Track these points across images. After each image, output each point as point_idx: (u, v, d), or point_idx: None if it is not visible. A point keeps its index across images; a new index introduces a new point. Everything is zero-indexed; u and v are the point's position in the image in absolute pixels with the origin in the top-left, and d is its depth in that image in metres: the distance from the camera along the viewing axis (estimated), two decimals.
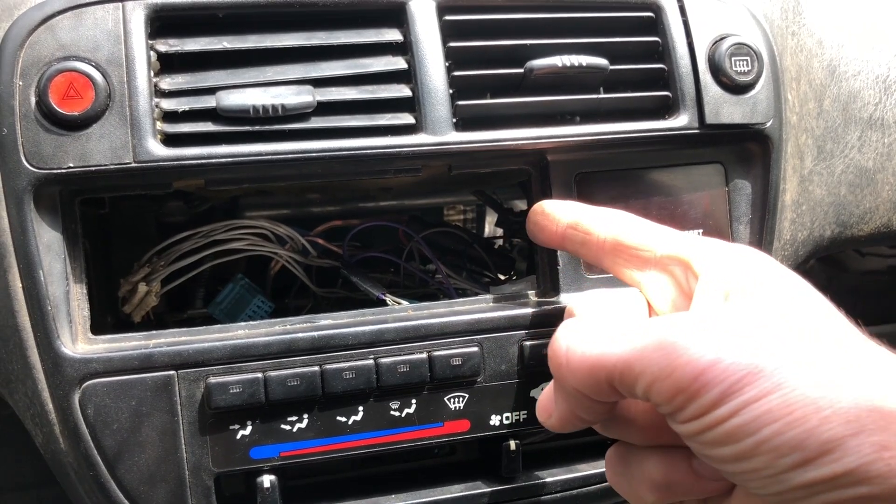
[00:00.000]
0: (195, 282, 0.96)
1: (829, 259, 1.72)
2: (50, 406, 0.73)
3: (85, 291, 0.77)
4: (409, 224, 1.01)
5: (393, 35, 0.79)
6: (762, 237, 0.87)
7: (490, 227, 1.32)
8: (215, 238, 0.90)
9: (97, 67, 0.72)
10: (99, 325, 0.80)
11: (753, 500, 0.55)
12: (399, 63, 0.79)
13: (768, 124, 0.85)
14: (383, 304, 0.87)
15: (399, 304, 0.86)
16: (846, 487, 0.46)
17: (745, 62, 0.84)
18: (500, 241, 1.16)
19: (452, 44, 0.79)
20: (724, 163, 0.87)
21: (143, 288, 0.88)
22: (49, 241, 0.73)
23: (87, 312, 0.76)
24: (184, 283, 0.92)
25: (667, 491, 0.61)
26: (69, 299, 0.74)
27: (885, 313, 1.78)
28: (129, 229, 1.05)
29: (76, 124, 0.71)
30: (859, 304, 1.82)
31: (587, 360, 0.57)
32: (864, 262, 1.65)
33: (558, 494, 0.85)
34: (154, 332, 0.77)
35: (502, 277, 1.03)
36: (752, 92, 0.84)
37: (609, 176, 0.84)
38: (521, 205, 1.11)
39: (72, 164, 0.71)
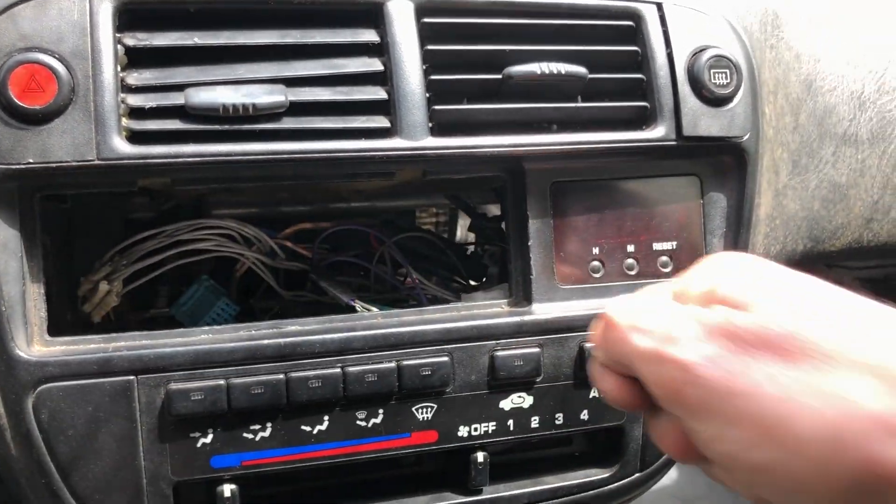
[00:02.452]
0: (158, 281, 0.94)
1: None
2: (1, 410, 0.70)
3: (42, 291, 0.74)
4: (381, 228, 0.99)
5: (370, 36, 0.77)
6: (736, 250, 0.87)
7: (462, 230, 1.31)
8: (180, 238, 0.87)
9: (61, 60, 0.69)
10: (58, 324, 0.77)
11: None
12: (375, 65, 0.77)
13: (745, 137, 0.85)
14: (352, 310, 0.86)
15: (369, 310, 0.84)
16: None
17: (724, 74, 0.83)
18: (473, 247, 1.15)
19: (430, 47, 0.77)
20: (699, 175, 0.86)
21: (104, 287, 0.86)
22: (5, 239, 0.70)
23: (44, 313, 0.74)
24: (147, 281, 0.89)
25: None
26: (25, 299, 0.71)
27: None
28: (92, 225, 1.02)
29: (37, 118, 0.68)
30: None
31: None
32: (832, 275, 1.67)
33: None
34: (114, 334, 0.74)
35: (474, 283, 1.02)
36: (731, 105, 0.84)
37: (585, 186, 0.83)
38: (494, 209, 1.09)
39: (31, 160, 0.68)
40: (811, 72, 0.96)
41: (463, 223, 1.30)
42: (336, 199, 1.16)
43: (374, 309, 0.85)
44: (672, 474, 1.74)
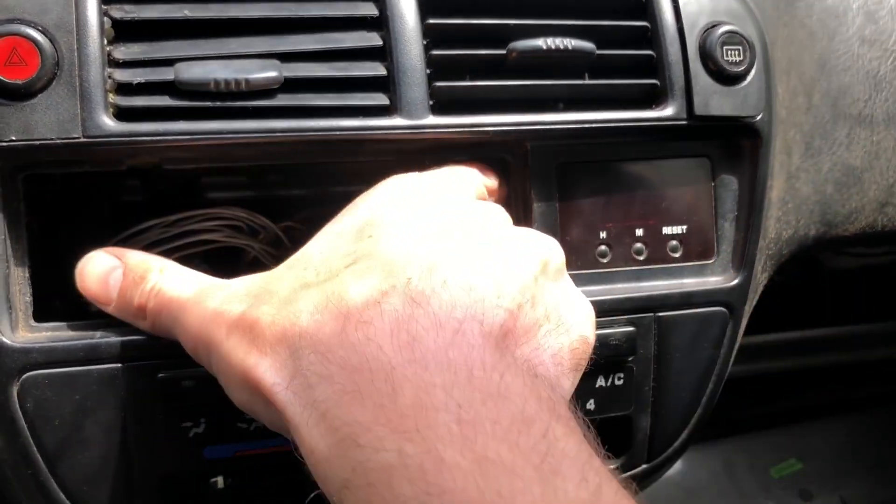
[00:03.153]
0: None
1: (803, 258, 1.71)
2: None
3: (27, 275, 0.71)
4: None
5: (368, 9, 0.74)
6: (748, 234, 0.84)
7: None
8: (188, 228, 0.84)
9: (44, 32, 0.66)
10: (46, 310, 0.74)
11: None
12: (374, 39, 0.74)
13: (759, 117, 0.82)
14: None
15: None
16: None
17: (737, 52, 0.80)
18: None
19: (431, 20, 0.74)
20: (710, 157, 0.83)
21: None
22: None
23: (29, 298, 0.71)
24: None
25: None
26: (9, 283, 0.68)
27: (858, 312, 1.77)
28: (81, 208, 0.99)
29: (20, 93, 0.65)
30: (832, 302, 1.81)
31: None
32: (839, 261, 1.64)
33: None
34: (102, 320, 0.71)
35: None
36: (744, 83, 0.81)
37: (591, 168, 0.80)
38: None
39: (14, 137, 0.65)
40: (825, 51, 0.93)
41: None
42: (335, 183, 1.13)
43: None
44: (675, 464, 1.72)
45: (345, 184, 1.11)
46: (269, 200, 1.05)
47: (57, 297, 0.90)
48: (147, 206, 0.97)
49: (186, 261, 0.90)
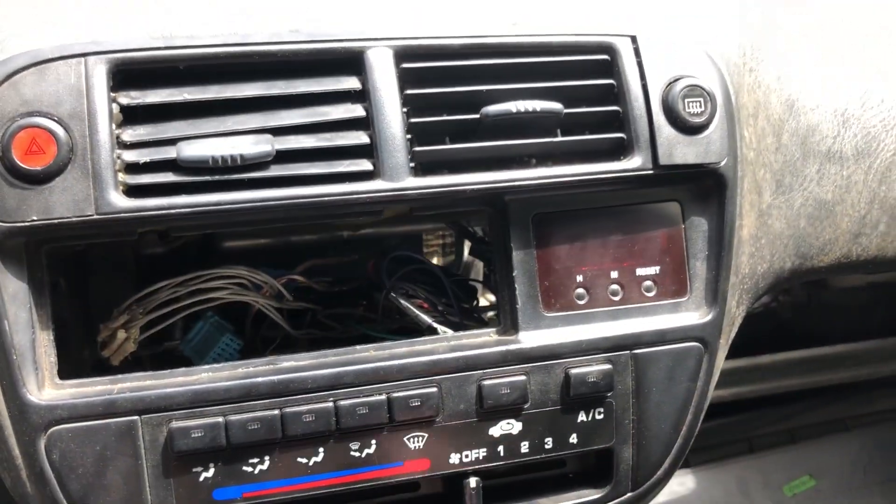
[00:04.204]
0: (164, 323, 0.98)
1: None
2: (17, 451, 0.75)
3: (52, 337, 0.79)
4: (387, 261, 1.02)
5: (351, 83, 0.81)
6: (719, 273, 0.89)
7: (468, 252, 1.34)
8: (197, 287, 0.91)
9: (59, 122, 0.73)
10: (76, 361, 0.81)
11: None
12: (357, 111, 0.80)
13: (722, 163, 0.87)
14: (434, 331, 0.90)
15: (446, 332, 0.89)
16: None
17: (698, 103, 0.85)
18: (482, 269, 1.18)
19: (410, 91, 0.81)
20: (680, 201, 0.89)
21: (121, 335, 0.90)
22: (14, 291, 0.74)
23: (53, 358, 0.78)
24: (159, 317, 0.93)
25: None
26: (35, 346, 0.76)
27: (864, 329, 1.79)
28: (107, 263, 1.07)
29: (39, 179, 0.73)
30: (840, 320, 1.83)
31: None
32: (844, 279, 1.67)
33: None
34: (119, 376, 0.79)
35: (466, 306, 1.05)
36: (706, 132, 0.86)
37: (566, 216, 0.86)
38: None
39: (35, 218, 0.73)
40: (793, 92, 0.98)
41: (469, 244, 1.33)
42: (342, 228, 1.20)
43: (449, 331, 0.89)
44: (689, 483, 1.75)
45: (351, 229, 1.18)
46: (281, 247, 1.12)
47: (87, 349, 0.98)
48: (167, 258, 1.05)
49: (200, 311, 0.97)
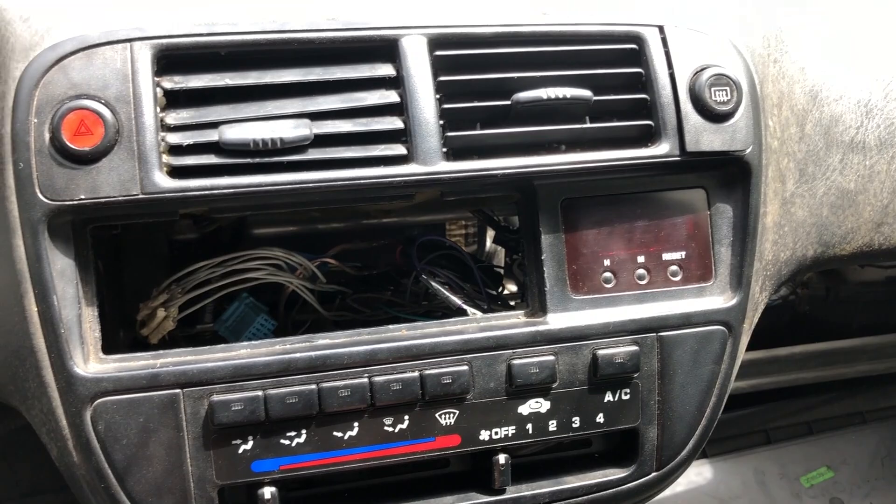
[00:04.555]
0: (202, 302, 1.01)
1: (827, 270, 1.75)
2: (64, 422, 0.78)
3: (96, 314, 0.81)
4: (416, 247, 1.05)
5: (386, 70, 0.83)
6: (743, 258, 0.91)
7: (491, 241, 1.36)
8: (233, 268, 0.94)
9: (106, 105, 0.76)
10: (111, 342, 0.84)
11: None
12: (392, 97, 0.83)
13: (748, 151, 0.89)
14: (463, 312, 0.92)
15: (475, 313, 0.91)
16: None
17: (724, 92, 0.87)
18: (503, 254, 1.20)
19: (443, 78, 0.83)
20: (706, 187, 0.91)
21: (161, 313, 0.93)
22: (62, 268, 0.77)
23: (98, 334, 0.81)
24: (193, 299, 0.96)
25: None
26: (81, 321, 0.79)
27: (882, 323, 1.80)
28: (141, 248, 1.10)
29: (87, 159, 0.75)
30: (858, 314, 1.85)
31: None
32: (862, 273, 1.68)
33: None
34: (161, 351, 0.81)
35: (492, 292, 1.07)
36: (732, 120, 0.88)
37: (594, 201, 0.88)
38: (518, 221, 1.15)
39: (83, 196, 0.75)
40: (816, 82, 1.00)
41: (491, 233, 1.35)
42: (369, 216, 1.23)
43: (478, 312, 0.92)
44: (707, 473, 1.77)
45: (377, 217, 1.21)
46: (310, 235, 1.15)
47: (122, 330, 1.01)
48: (199, 244, 1.07)
49: (235, 292, 1.00)
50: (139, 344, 0.95)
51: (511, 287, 1.15)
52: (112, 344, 0.84)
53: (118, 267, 1.05)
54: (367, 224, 1.22)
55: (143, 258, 1.10)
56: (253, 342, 0.84)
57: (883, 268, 1.67)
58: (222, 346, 0.83)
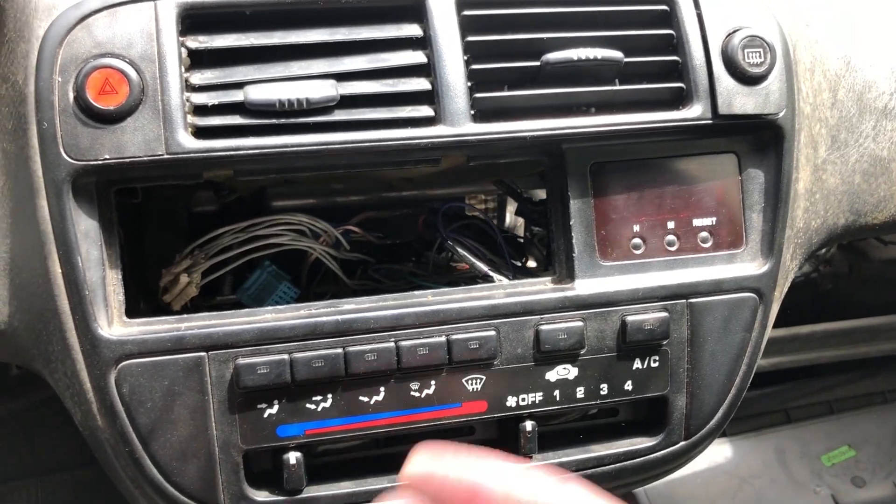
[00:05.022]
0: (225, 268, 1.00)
1: (850, 247, 1.73)
2: (88, 385, 0.77)
3: (120, 277, 0.81)
4: (440, 216, 1.04)
5: (413, 30, 0.82)
6: (775, 225, 0.89)
7: (511, 216, 1.35)
8: (257, 233, 0.93)
9: (131, 64, 0.75)
10: (132, 312, 0.83)
11: None
12: (419, 57, 0.81)
13: (781, 115, 0.87)
14: (489, 279, 0.91)
15: (501, 279, 0.90)
16: None
17: (757, 54, 0.85)
18: (523, 230, 1.19)
19: (470, 38, 0.82)
20: (737, 152, 0.89)
21: (184, 279, 0.92)
22: (86, 229, 0.76)
23: (122, 297, 0.80)
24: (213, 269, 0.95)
25: None
26: (105, 284, 0.78)
27: None
28: (161, 218, 1.09)
29: (111, 118, 0.74)
30: (881, 292, 1.82)
31: None
32: (887, 251, 1.66)
33: (573, 474, 0.87)
34: (185, 315, 0.80)
35: (517, 263, 1.06)
36: (765, 83, 0.86)
37: (623, 166, 0.87)
38: (540, 194, 1.13)
39: (108, 156, 0.74)
40: (849, 48, 0.98)
41: (511, 208, 1.34)
42: (388, 189, 1.22)
43: (504, 279, 0.90)
44: (727, 452, 1.76)
45: (397, 189, 1.20)
46: (329, 208, 1.14)
47: (142, 300, 1.00)
48: (219, 217, 1.06)
49: (254, 259, 0.99)
50: (161, 311, 0.94)
51: (530, 263, 1.14)
52: (134, 313, 0.83)
53: (139, 237, 1.05)
54: (388, 197, 1.21)
55: (163, 229, 1.09)
56: (278, 307, 0.83)
57: None
58: (247, 310, 0.82)
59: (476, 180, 1.20)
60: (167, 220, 1.10)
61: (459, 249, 0.94)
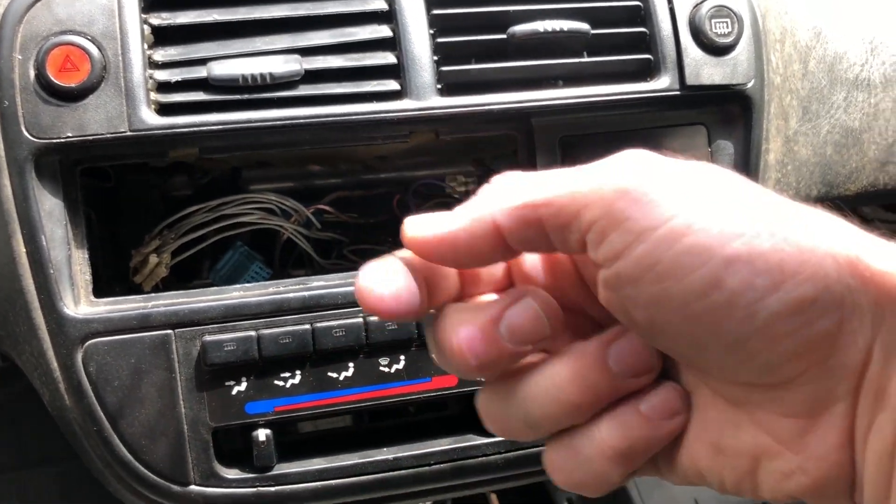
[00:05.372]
0: (202, 253, 1.00)
1: None
2: (54, 364, 0.77)
3: (87, 256, 0.80)
4: (411, 195, 1.04)
5: (378, 4, 0.81)
6: None
7: None
8: (225, 213, 0.93)
9: (93, 41, 0.75)
10: (105, 294, 0.83)
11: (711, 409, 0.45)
12: (384, 31, 0.81)
13: (749, 85, 0.87)
14: None
15: None
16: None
17: (725, 24, 0.85)
18: None
19: (436, 11, 0.81)
20: (706, 124, 0.89)
21: (153, 259, 0.91)
22: (50, 208, 0.76)
23: (88, 276, 0.80)
24: (191, 255, 0.95)
25: (629, 456, 0.47)
26: (71, 263, 0.77)
27: None
28: (135, 203, 1.08)
29: (73, 95, 0.74)
30: None
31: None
32: (868, 230, 1.65)
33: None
34: (153, 294, 0.80)
35: None
36: (733, 53, 0.86)
37: (593, 139, 0.86)
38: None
39: (70, 134, 0.74)
40: (820, 19, 0.97)
41: None
42: (365, 171, 1.21)
43: None
44: None
45: (375, 171, 1.19)
46: (305, 189, 1.13)
47: (117, 285, 1.00)
48: (194, 201, 1.06)
49: (228, 241, 0.99)
50: (134, 293, 0.94)
51: None
52: (107, 295, 0.83)
53: (114, 222, 1.04)
54: (365, 179, 1.20)
55: (138, 214, 1.08)
56: (246, 285, 0.83)
57: (891, 223, 1.65)
58: (215, 288, 0.82)
59: (454, 160, 1.19)
60: (142, 204, 1.10)
61: None
